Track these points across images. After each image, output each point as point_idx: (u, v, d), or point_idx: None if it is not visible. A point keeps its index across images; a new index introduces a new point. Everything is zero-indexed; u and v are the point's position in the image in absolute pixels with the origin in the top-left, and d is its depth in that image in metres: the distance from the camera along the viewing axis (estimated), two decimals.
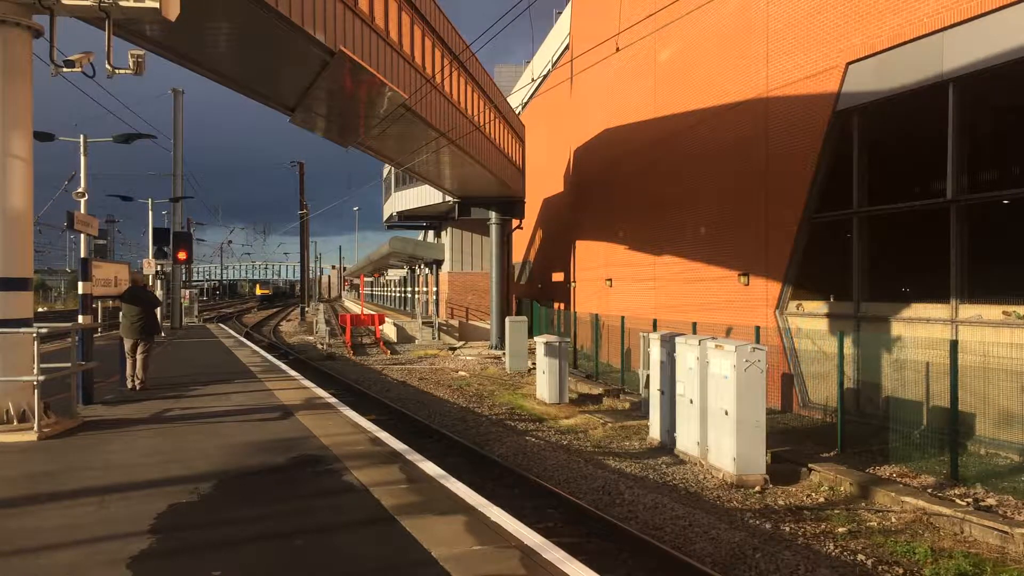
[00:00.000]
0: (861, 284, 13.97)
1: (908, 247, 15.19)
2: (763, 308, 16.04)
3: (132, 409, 10.68)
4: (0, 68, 8.44)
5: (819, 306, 14.84)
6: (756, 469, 10.34)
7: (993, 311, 11.30)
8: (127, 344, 12.70)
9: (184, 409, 10.71)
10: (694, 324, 16.35)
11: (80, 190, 19.83)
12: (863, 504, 9.47)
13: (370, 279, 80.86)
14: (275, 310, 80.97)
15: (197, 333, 30.66)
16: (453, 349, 31.74)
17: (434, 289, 40.69)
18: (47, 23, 8.73)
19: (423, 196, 38.08)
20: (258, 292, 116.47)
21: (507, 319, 24.74)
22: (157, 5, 8.49)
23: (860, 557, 7.69)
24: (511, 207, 33.94)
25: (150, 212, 31.88)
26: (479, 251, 38.55)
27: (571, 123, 32.05)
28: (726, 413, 10.44)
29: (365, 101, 17.84)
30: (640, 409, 15.42)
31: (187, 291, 43.27)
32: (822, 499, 9.82)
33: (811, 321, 14.89)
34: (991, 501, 9.05)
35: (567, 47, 33.34)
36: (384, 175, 47.31)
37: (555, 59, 37.06)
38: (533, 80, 39.18)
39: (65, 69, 8.82)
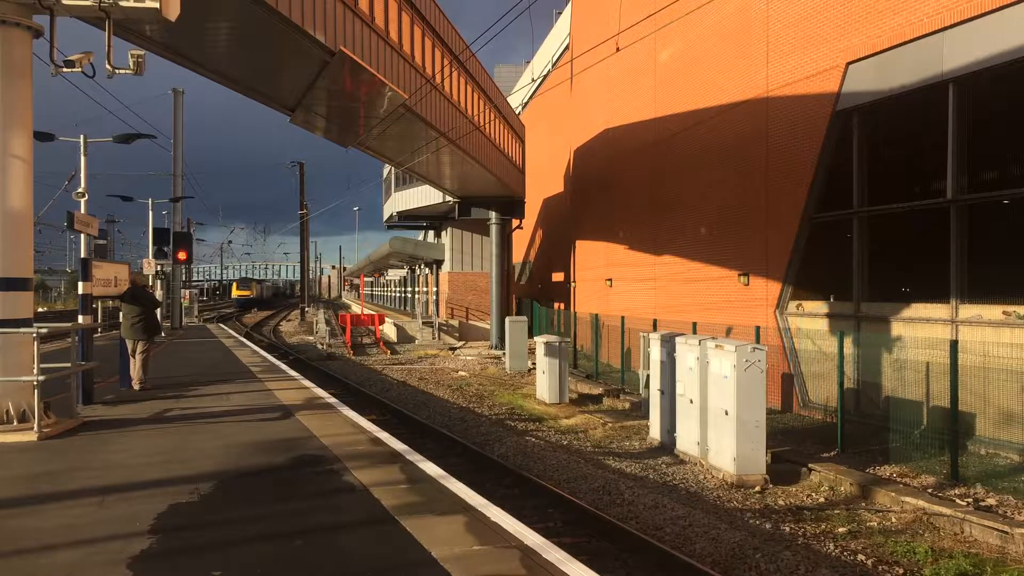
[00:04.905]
0: (861, 284, 13.97)
1: (908, 247, 15.19)
2: (763, 308, 16.04)
3: (132, 409, 10.68)
4: (0, 68, 8.44)
5: (819, 306, 14.83)
6: (756, 469, 10.34)
7: (993, 311, 11.30)
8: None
9: (184, 409, 10.70)
10: (694, 324, 16.35)
11: (80, 190, 19.81)
12: (863, 504, 9.47)
13: (370, 279, 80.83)
14: (272, 312, 76.34)
15: (197, 333, 30.66)
16: (453, 349, 31.74)
17: (434, 289, 40.68)
18: (47, 23, 8.73)
19: (423, 196, 38.08)
20: (234, 294, 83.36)
21: (507, 319, 24.73)
22: (157, 5, 8.49)
23: (860, 557, 7.69)
24: (511, 207, 33.94)
25: (150, 212, 31.86)
26: (479, 251, 38.54)
27: (571, 123, 32.05)
28: (726, 413, 10.43)
29: (365, 101, 17.84)
30: (640, 409, 15.42)
31: (187, 291, 43.29)
32: (822, 499, 9.81)
33: (811, 321, 14.89)
34: (991, 501, 9.05)
35: (567, 47, 33.35)
36: (384, 175, 47.31)
37: (555, 59, 37.07)
38: (533, 80, 39.19)
39: (65, 69, 8.81)
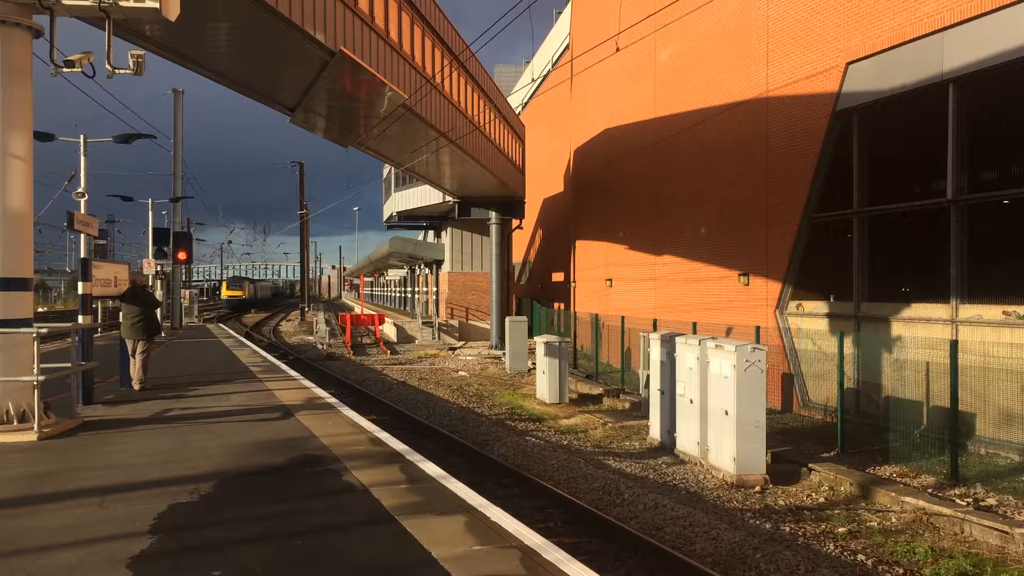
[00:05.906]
0: (861, 284, 13.97)
1: (908, 247, 15.17)
2: (763, 308, 16.04)
3: (132, 409, 10.67)
4: (0, 68, 8.43)
5: (819, 306, 14.83)
6: (756, 469, 10.34)
7: (993, 311, 11.29)
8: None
9: (184, 409, 10.70)
10: (694, 324, 16.35)
11: (80, 190, 19.78)
12: (863, 504, 9.47)
13: (370, 279, 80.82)
14: (271, 312, 75.49)
15: (197, 333, 30.65)
16: (453, 349, 31.73)
17: (434, 289, 40.68)
18: (47, 23, 8.72)
19: (423, 196, 38.09)
20: (224, 295, 75.78)
21: (507, 319, 24.74)
22: (157, 5, 8.48)
23: (860, 557, 7.70)
24: (511, 207, 33.95)
25: (150, 212, 31.82)
26: (479, 251, 38.54)
27: (571, 123, 32.05)
28: (726, 413, 10.43)
29: (365, 101, 17.84)
30: (640, 409, 15.42)
31: (187, 291, 43.27)
32: (822, 499, 9.82)
33: (811, 321, 14.89)
34: (991, 501, 9.05)
35: (567, 47, 33.34)
36: (384, 175, 47.31)
37: (555, 59, 37.06)
38: (533, 80, 39.17)
39: (65, 69, 8.80)
